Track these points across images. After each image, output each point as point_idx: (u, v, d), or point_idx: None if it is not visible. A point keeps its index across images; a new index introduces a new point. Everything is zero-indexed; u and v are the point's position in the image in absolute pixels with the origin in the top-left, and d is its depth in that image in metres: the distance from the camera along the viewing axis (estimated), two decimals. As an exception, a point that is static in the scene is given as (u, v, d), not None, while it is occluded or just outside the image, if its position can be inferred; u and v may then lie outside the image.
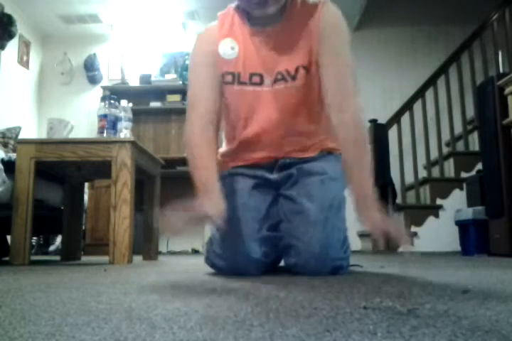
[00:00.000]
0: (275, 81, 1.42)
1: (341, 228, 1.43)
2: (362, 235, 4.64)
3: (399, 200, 4.48)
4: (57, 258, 3.03)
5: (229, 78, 1.44)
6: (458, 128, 4.60)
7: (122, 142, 2.32)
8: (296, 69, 1.41)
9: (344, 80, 1.39)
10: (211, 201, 1.27)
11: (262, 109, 1.45)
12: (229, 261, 1.37)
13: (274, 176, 1.51)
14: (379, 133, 4.29)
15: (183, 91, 5.11)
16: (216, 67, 1.46)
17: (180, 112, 5.19)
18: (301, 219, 1.39)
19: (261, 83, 1.43)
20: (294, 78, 1.42)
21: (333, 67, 1.39)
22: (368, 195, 1.29)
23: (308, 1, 1.43)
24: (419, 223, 4.24)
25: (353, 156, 1.35)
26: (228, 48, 1.45)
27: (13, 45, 4.89)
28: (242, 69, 1.44)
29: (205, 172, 1.37)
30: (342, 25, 1.44)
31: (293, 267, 1.41)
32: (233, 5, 1.50)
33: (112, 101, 2.48)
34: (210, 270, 1.51)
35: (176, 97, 5.10)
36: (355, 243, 4.60)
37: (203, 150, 1.41)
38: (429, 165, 4.50)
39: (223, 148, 1.62)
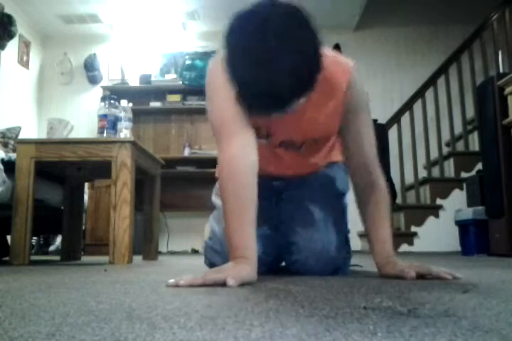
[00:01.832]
0: (281, 145, 1.36)
1: (343, 229, 1.45)
2: (362, 235, 4.64)
3: (399, 200, 4.48)
4: (57, 258, 3.03)
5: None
6: (458, 128, 4.60)
7: (122, 142, 2.32)
8: (303, 142, 1.35)
9: (361, 147, 1.33)
10: (247, 268, 1.05)
11: (273, 160, 1.39)
12: (227, 257, 1.37)
13: (276, 183, 1.52)
14: (379, 133, 4.28)
15: (183, 91, 5.11)
16: None
17: (180, 112, 5.20)
18: (303, 217, 1.40)
19: (268, 140, 1.35)
20: (299, 148, 1.37)
21: (352, 136, 1.33)
22: (390, 257, 1.25)
23: (334, 65, 1.24)
24: (419, 223, 4.24)
25: (371, 216, 1.31)
26: None
27: (13, 45, 4.89)
28: (262, 124, 1.30)
29: (246, 228, 1.11)
30: (364, 94, 1.33)
31: (294, 264, 1.41)
32: None
33: (112, 101, 2.48)
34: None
35: (176, 97, 5.10)
36: (355, 243, 4.60)
37: (248, 184, 1.14)
38: (429, 165, 4.51)
39: None
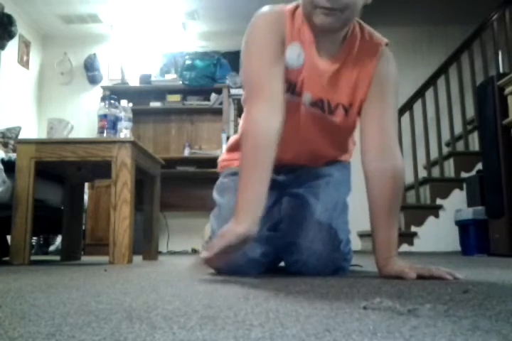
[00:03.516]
0: (313, 104, 1.36)
1: (344, 229, 1.44)
2: (362, 235, 4.64)
3: (399, 200, 4.47)
4: (57, 258, 3.03)
5: (286, 85, 1.31)
6: (458, 128, 4.60)
7: (122, 142, 2.32)
8: (336, 105, 1.36)
9: (387, 128, 1.32)
10: (248, 225, 1.13)
11: (295, 125, 1.38)
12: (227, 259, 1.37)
13: (280, 177, 1.51)
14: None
15: (183, 91, 5.11)
16: (282, 51, 1.29)
17: (180, 112, 5.19)
18: (305, 216, 1.39)
19: (301, 99, 1.36)
20: (331, 112, 1.37)
21: (377, 113, 1.33)
22: (391, 257, 1.24)
23: (369, 37, 1.34)
24: (419, 223, 4.24)
25: (383, 210, 1.27)
26: (294, 55, 1.30)
27: (13, 45, 4.89)
28: (301, 81, 1.33)
29: (257, 186, 1.16)
30: (395, 73, 1.37)
31: (294, 264, 1.41)
32: (290, 5, 1.34)
33: (112, 101, 2.48)
34: (210, 270, 1.51)
35: (176, 97, 5.10)
36: (355, 243, 4.60)
37: (266, 146, 1.19)
38: (429, 165, 4.50)
39: (235, 138, 1.60)
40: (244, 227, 1.12)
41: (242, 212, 1.15)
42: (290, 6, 1.35)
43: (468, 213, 3.31)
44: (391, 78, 1.36)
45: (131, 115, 2.58)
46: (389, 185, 1.28)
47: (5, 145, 3.36)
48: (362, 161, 1.33)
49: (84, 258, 3.02)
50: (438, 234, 4.16)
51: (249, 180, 1.18)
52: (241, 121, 1.47)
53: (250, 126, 1.22)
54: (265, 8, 1.34)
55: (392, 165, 1.29)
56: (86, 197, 3.25)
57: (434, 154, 4.54)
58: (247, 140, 1.22)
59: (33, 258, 2.66)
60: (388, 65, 1.35)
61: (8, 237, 2.50)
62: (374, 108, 1.34)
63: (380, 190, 1.29)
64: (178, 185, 4.86)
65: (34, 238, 4.22)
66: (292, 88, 1.33)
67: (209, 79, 4.98)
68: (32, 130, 5.28)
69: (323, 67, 1.32)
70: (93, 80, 5.49)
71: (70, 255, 2.80)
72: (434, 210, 4.26)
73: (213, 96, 5.03)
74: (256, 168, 1.18)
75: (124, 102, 2.78)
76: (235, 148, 1.58)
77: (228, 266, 1.36)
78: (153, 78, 5.21)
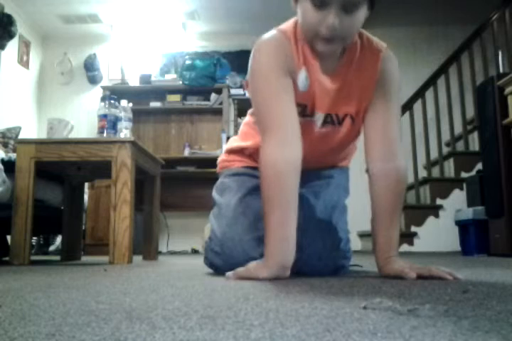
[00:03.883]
0: (324, 122, 1.36)
1: (344, 228, 1.45)
2: (362, 235, 4.64)
3: (399, 200, 4.47)
4: (57, 258, 3.03)
5: (298, 109, 1.30)
6: (458, 128, 4.60)
7: (122, 142, 2.32)
8: (344, 116, 1.36)
9: (390, 129, 1.32)
10: (283, 269, 1.17)
11: (307, 143, 1.32)
12: (227, 259, 1.37)
13: None
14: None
15: (183, 91, 5.11)
16: (289, 79, 1.28)
17: (180, 112, 5.20)
18: (306, 216, 1.39)
19: (313, 118, 1.36)
20: (340, 124, 1.37)
21: (381, 115, 1.32)
22: (391, 257, 1.24)
23: (368, 43, 1.34)
24: (419, 223, 4.24)
25: (385, 211, 1.28)
26: (303, 78, 1.30)
27: (13, 45, 4.89)
28: (310, 103, 1.33)
29: (287, 230, 1.17)
30: (397, 76, 1.36)
31: (294, 263, 1.41)
32: (289, 26, 1.32)
33: (112, 101, 2.48)
34: (210, 270, 1.51)
35: (176, 97, 5.10)
36: (355, 243, 4.60)
37: (288, 188, 1.19)
38: (429, 165, 4.50)
39: (238, 140, 1.59)
40: (271, 273, 1.15)
41: (271, 258, 1.16)
42: (290, 28, 1.31)
43: (468, 213, 3.30)
44: (394, 81, 1.35)
45: (131, 115, 2.58)
46: (392, 187, 1.29)
47: (5, 145, 3.36)
48: (366, 163, 1.34)
49: (84, 258, 3.02)
50: (438, 234, 4.15)
51: (278, 223, 1.17)
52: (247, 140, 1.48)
53: (268, 167, 1.20)
54: (266, 37, 1.30)
55: (395, 167, 1.30)
56: (86, 197, 3.25)
57: (434, 154, 4.55)
58: (268, 179, 1.20)
59: (33, 258, 2.66)
60: (390, 68, 1.34)
61: (8, 237, 2.50)
62: (377, 112, 1.34)
63: (383, 191, 1.29)
64: (178, 185, 4.86)
65: (34, 238, 4.22)
66: (303, 110, 1.33)
67: (209, 79, 4.98)
68: (32, 130, 5.28)
69: (328, 83, 1.32)
70: (93, 80, 5.49)
71: (70, 255, 2.80)
72: (434, 210, 4.26)
73: (213, 96, 5.03)
74: (282, 209, 1.17)
75: (124, 102, 2.77)
76: (235, 150, 1.58)
77: (227, 264, 1.37)
78: (153, 78, 5.21)
